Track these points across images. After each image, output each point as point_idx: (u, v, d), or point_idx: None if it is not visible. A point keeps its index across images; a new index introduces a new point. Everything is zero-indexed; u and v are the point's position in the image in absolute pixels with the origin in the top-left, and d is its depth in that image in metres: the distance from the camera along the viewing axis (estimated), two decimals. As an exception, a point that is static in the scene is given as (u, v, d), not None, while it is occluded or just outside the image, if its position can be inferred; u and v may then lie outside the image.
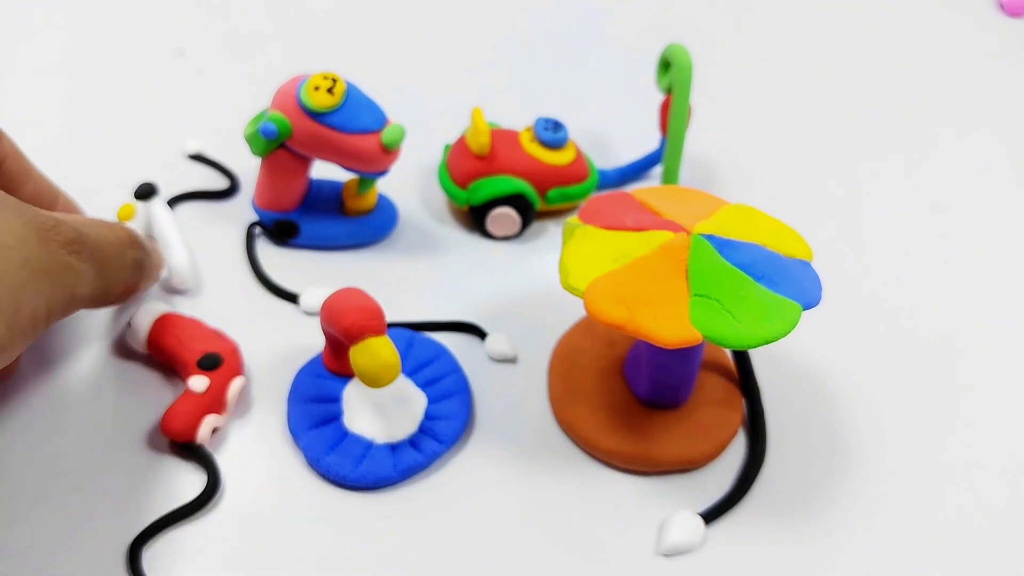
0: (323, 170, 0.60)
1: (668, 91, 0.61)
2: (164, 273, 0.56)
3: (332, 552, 0.44)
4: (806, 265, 0.45)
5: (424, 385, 0.50)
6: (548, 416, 0.51)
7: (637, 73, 0.76)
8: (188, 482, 0.46)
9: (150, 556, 0.43)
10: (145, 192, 0.58)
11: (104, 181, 0.65)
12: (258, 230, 0.60)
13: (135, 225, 0.57)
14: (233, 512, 0.45)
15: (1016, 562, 0.46)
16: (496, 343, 0.54)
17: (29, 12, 0.83)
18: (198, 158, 0.67)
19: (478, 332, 0.55)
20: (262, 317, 0.55)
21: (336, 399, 0.49)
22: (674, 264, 0.42)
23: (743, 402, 0.51)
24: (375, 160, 0.55)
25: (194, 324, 0.51)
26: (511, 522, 0.46)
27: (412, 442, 0.48)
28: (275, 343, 0.53)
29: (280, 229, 0.59)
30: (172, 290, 0.56)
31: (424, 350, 0.52)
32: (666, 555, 0.45)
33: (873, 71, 0.83)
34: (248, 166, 0.64)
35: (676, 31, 0.79)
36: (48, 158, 0.68)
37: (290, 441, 0.48)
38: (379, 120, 0.55)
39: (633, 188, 0.59)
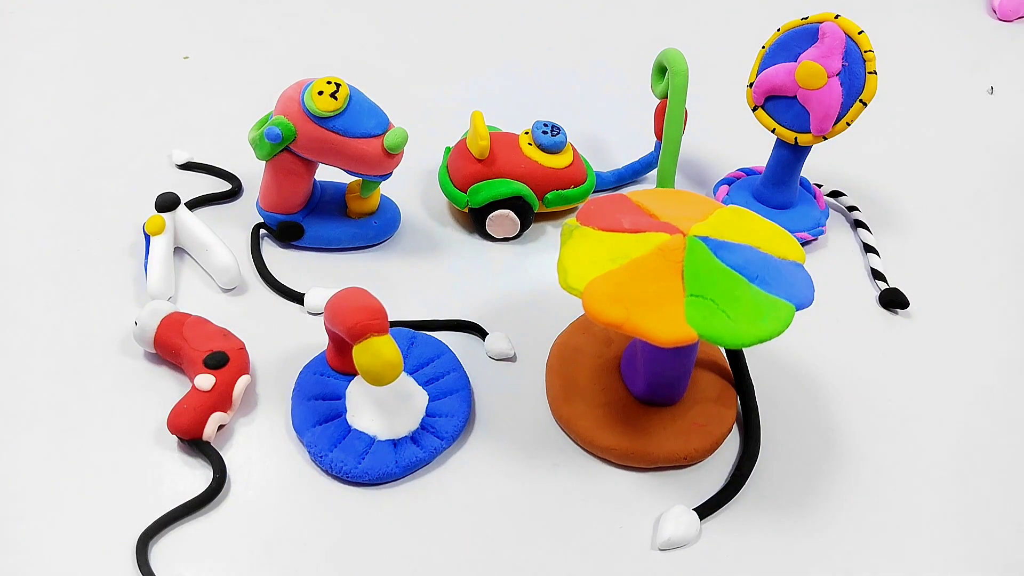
0: (327, 173, 0.61)
1: (663, 96, 0.62)
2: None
3: (335, 544, 0.45)
4: (799, 266, 0.46)
5: (425, 383, 0.51)
6: (546, 413, 0.52)
7: (634, 78, 0.77)
8: (195, 478, 0.47)
9: (158, 549, 0.44)
10: (169, 203, 0.59)
11: (111, 190, 0.66)
12: (263, 232, 0.61)
13: (166, 236, 0.57)
14: (239, 507, 0.46)
15: (1002, 555, 0.47)
16: (496, 342, 0.55)
17: (38, 21, 0.84)
18: (189, 166, 0.68)
19: (478, 331, 0.56)
20: (267, 316, 0.56)
21: (339, 397, 0.50)
22: (670, 265, 0.43)
23: (737, 399, 0.52)
24: (378, 164, 0.56)
25: (200, 323, 0.52)
26: (510, 516, 0.47)
27: (414, 438, 0.49)
28: (280, 342, 0.54)
29: (285, 231, 0.60)
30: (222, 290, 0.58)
31: (425, 349, 0.53)
32: (662, 549, 0.46)
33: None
34: (250, 169, 0.65)
35: (671, 37, 0.80)
36: (50, 169, 0.68)
37: (294, 438, 0.49)
38: (382, 124, 0.56)
39: (630, 191, 0.60)
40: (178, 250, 0.60)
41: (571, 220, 0.47)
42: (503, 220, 0.62)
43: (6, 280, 0.58)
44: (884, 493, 0.49)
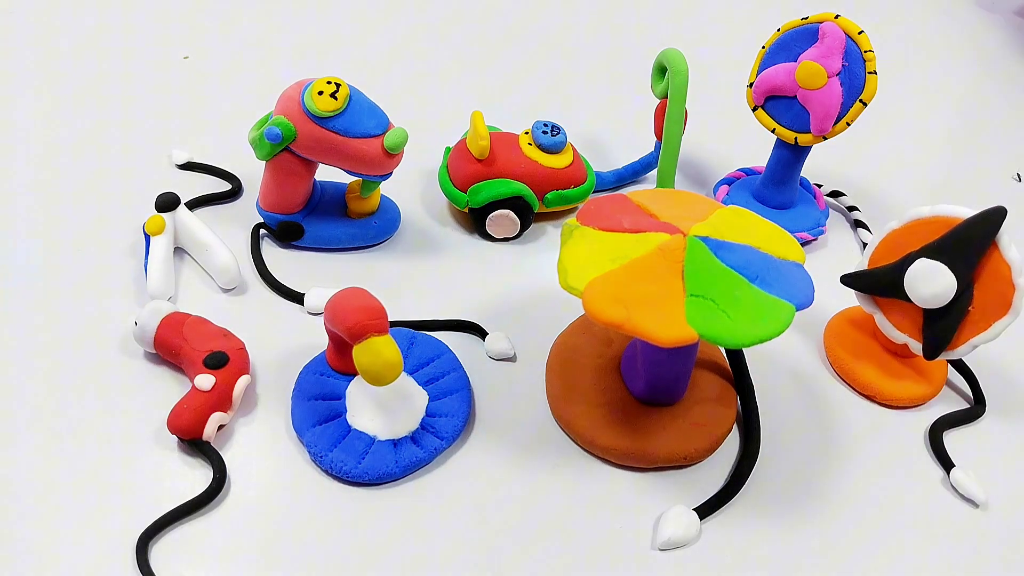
0: (327, 173, 0.61)
1: (663, 96, 0.62)
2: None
3: (335, 544, 0.45)
4: (799, 267, 0.46)
5: (425, 383, 0.51)
6: (546, 413, 0.52)
7: (634, 78, 0.77)
8: (195, 478, 0.47)
9: (158, 549, 0.44)
10: (169, 202, 0.59)
11: (111, 190, 0.66)
12: (263, 232, 0.61)
13: (166, 236, 0.57)
14: (239, 507, 0.46)
15: (1001, 554, 0.47)
16: (496, 342, 0.55)
17: (38, 21, 0.84)
18: (189, 166, 0.68)
19: (478, 331, 0.56)
20: (267, 316, 0.56)
21: (339, 397, 0.50)
22: (670, 265, 0.43)
23: (737, 399, 0.52)
24: (378, 164, 0.56)
25: (201, 323, 0.52)
26: (510, 516, 0.47)
27: (414, 438, 0.49)
28: (280, 342, 0.54)
29: (285, 231, 0.60)
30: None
31: (425, 349, 0.53)
32: (662, 549, 0.46)
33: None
34: (250, 169, 0.65)
35: (671, 37, 0.80)
36: (52, 170, 0.68)
37: (294, 438, 0.49)
38: (382, 124, 0.56)
39: (630, 191, 0.60)
40: (178, 250, 0.60)
41: (571, 220, 0.47)
42: (503, 220, 0.62)
43: (6, 280, 0.58)
44: (885, 494, 0.49)
